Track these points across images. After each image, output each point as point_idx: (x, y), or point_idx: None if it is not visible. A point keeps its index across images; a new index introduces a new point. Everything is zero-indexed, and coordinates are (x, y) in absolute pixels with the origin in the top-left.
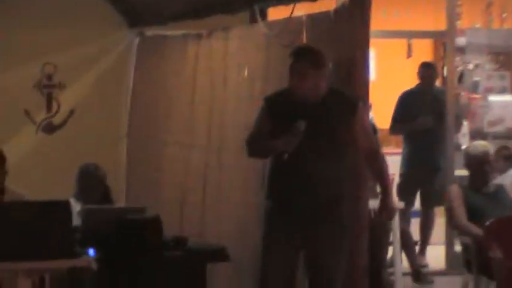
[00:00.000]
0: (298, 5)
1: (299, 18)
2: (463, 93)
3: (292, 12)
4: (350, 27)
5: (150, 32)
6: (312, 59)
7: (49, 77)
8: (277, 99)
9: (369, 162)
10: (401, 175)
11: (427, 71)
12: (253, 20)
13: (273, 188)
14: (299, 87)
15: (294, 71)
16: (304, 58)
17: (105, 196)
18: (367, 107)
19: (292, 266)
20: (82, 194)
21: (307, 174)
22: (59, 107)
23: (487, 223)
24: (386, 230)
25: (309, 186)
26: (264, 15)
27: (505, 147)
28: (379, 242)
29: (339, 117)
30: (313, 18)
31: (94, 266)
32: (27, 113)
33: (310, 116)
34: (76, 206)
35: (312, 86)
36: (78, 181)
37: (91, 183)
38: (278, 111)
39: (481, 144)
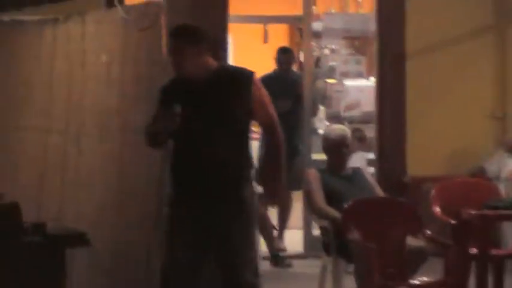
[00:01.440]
0: None
1: (158, 2)
2: (319, 79)
3: None
4: (209, 11)
5: (6, 17)
6: (187, 35)
7: None
8: (168, 86)
9: (267, 136)
10: (259, 159)
11: (284, 56)
12: (109, 5)
13: (174, 178)
14: (180, 67)
15: (171, 50)
16: (179, 36)
17: None
18: None
19: (197, 261)
20: None
21: (204, 157)
22: None
23: (345, 206)
24: None
25: (207, 170)
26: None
27: (358, 129)
28: None
29: (234, 91)
30: (171, 2)
31: None
32: None
33: (201, 94)
34: None
35: (193, 63)
36: None
37: None
38: (171, 97)
39: (338, 128)
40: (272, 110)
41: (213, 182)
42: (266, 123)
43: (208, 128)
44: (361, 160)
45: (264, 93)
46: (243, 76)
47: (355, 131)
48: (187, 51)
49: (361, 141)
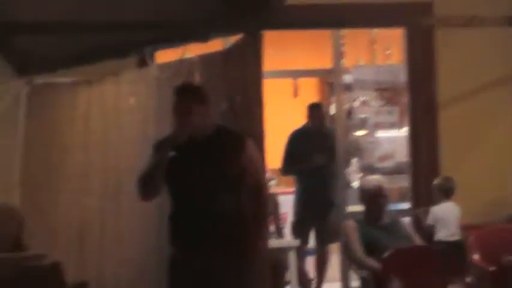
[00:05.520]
0: (189, 47)
1: (191, 59)
2: (352, 131)
3: (183, 54)
4: (243, 66)
5: (39, 80)
6: (195, 95)
7: None
8: (163, 143)
9: (253, 198)
10: (296, 213)
11: (315, 111)
12: (141, 65)
13: (173, 234)
14: (185, 125)
15: (178, 108)
16: (187, 95)
17: (18, 242)
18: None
19: None
20: None
21: (201, 214)
22: None
23: (385, 255)
24: (282, 269)
25: (206, 226)
26: (152, 58)
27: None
28: (277, 281)
29: (228, 153)
30: (205, 58)
31: None
32: None
33: (198, 153)
34: None
35: (197, 123)
36: None
37: (5, 224)
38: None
39: (373, 178)
40: (260, 173)
41: (212, 236)
42: (254, 183)
43: (207, 182)
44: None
45: (255, 157)
46: (239, 137)
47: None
48: (195, 110)
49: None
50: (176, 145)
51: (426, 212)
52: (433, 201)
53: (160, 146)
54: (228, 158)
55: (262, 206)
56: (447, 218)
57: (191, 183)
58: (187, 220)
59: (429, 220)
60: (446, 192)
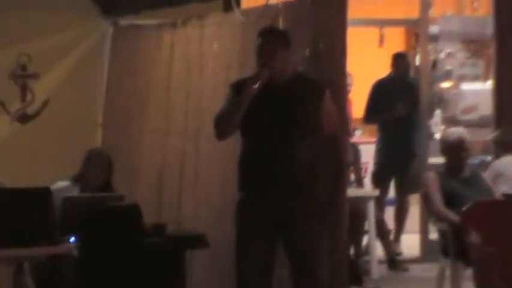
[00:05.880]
0: None
1: (275, 5)
2: (436, 83)
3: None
4: (327, 13)
5: (124, 21)
6: (280, 38)
7: (23, 67)
8: (242, 85)
9: (330, 148)
10: (376, 163)
11: (400, 61)
12: (227, 8)
13: (244, 179)
14: (268, 66)
15: (261, 49)
16: (272, 37)
17: (107, 183)
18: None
19: (269, 260)
20: (84, 177)
21: (276, 159)
22: (33, 97)
23: (464, 208)
24: (361, 218)
25: (279, 172)
26: (238, 2)
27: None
28: (355, 230)
29: (307, 100)
30: (289, 5)
31: (74, 253)
32: (1, 103)
33: (277, 98)
34: (74, 190)
35: (280, 65)
36: (85, 163)
37: (96, 167)
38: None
39: (457, 131)
40: (338, 123)
41: (287, 180)
42: (331, 133)
43: (284, 127)
44: None
45: (333, 107)
46: (318, 86)
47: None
48: (279, 54)
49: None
50: (256, 87)
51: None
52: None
53: (240, 87)
54: (305, 105)
55: (341, 156)
56: (508, 172)
57: (266, 127)
58: (259, 165)
59: (488, 175)
60: (505, 146)
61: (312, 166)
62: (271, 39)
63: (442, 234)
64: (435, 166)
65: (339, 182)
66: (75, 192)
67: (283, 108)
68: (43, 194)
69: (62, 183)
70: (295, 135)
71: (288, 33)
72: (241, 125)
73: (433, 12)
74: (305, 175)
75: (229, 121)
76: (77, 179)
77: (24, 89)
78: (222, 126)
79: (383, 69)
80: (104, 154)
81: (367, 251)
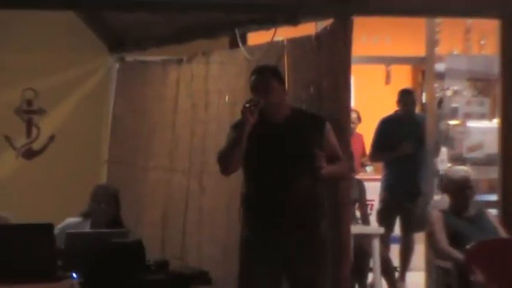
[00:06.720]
0: (279, 30)
1: (280, 42)
2: (442, 120)
3: (273, 37)
4: (332, 51)
5: (130, 57)
6: (273, 73)
7: (29, 103)
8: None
9: (331, 182)
10: (382, 201)
11: (407, 97)
12: (233, 45)
13: (247, 218)
14: (266, 103)
15: (257, 85)
16: (265, 73)
17: (116, 218)
18: (350, 131)
19: None
20: (93, 213)
21: (277, 197)
22: (38, 132)
23: (468, 247)
24: (366, 256)
25: (281, 210)
26: (244, 39)
27: None
28: (360, 268)
29: (308, 135)
30: (294, 42)
31: None
32: (7, 138)
33: (277, 134)
34: (85, 225)
35: (276, 100)
36: (93, 198)
37: (104, 202)
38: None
39: (461, 169)
40: (340, 152)
41: (290, 218)
42: (334, 159)
43: (285, 165)
44: None
45: (335, 140)
46: (319, 120)
47: None
48: (274, 88)
49: None
50: (254, 123)
51: None
52: None
53: (238, 125)
54: (306, 140)
55: (342, 190)
56: None
57: (267, 165)
58: (261, 203)
59: None
60: None
61: (315, 203)
62: (265, 75)
63: (446, 272)
64: (440, 204)
65: (340, 215)
66: (86, 228)
67: (283, 145)
68: (45, 230)
69: (72, 219)
70: (297, 171)
71: (279, 70)
72: (243, 163)
73: (440, 50)
74: (308, 212)
75: (230, 157)
76: (86, 215)
77: (29, 125)
78: (224, 162)
79: (390, 106)
80: (111, 189)
81: None
